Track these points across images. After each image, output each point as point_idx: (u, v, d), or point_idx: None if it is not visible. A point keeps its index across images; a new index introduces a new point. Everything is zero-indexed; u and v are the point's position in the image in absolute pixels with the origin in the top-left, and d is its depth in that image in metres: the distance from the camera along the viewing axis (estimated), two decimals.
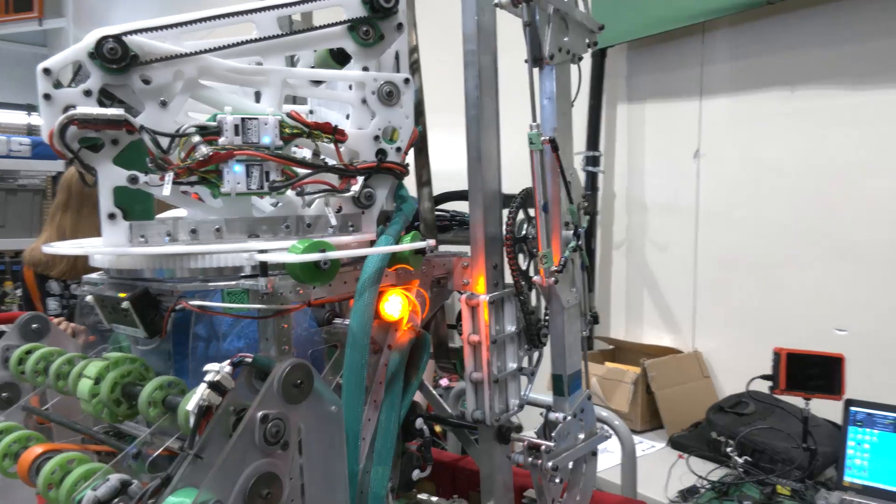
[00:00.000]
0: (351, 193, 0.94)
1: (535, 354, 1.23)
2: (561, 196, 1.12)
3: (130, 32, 0.81)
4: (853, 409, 2.01)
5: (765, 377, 2.05)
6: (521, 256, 1.20)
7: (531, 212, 1.19)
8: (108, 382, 0.84)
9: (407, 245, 0.95)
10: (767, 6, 2.35)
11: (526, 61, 1.13)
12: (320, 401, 0.77)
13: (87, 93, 0.81)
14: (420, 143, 1.23)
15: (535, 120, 1.09)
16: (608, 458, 2.08)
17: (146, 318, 0.87)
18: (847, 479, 1.98)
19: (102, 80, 0.81)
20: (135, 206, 0.89)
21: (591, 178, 3.01)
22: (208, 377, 0.73)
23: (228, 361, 0.75)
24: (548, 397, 1.38)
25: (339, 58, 1.06)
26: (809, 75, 2.41)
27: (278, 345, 0.89)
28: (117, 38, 0.79)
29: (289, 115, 0.89)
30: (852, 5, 2.25)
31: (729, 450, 2.22)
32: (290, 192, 0.91)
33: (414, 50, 1.20)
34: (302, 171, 0.91)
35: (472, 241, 1.14)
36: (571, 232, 1.14)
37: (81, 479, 0.76)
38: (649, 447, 2.49)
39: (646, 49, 2.88)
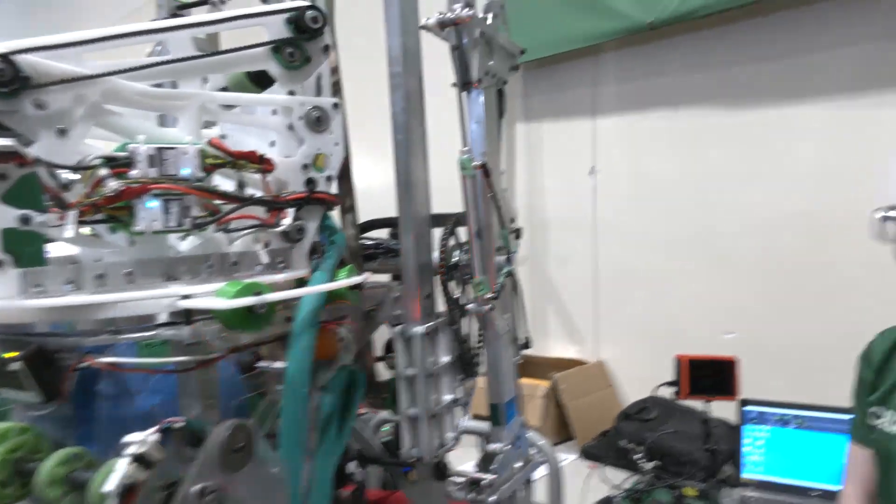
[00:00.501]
0: (282, 228, 0.86)
1: (469, 384, 1.20)
2: (493, 221, 1.10)
3: (21, 51, 0.70)
4: (747, 408, 2.15)
5: (669, 384, 2.15)
6: (452, 284, 1.17)
7: (461, 236, 1.16)
8: None
9: (345, 282, 0.89)
10: (651, 31, 2.49)
11: (454, 85, 1.10)
12: (263, 464, 0.69)
13: None
14: (343, 170, 1.16)
15: (465, 144, 1.06)
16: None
17: (42, 380, 0.75)
18: (745, 475, 2.11)
19: None
20: (24, 249, 0.76)
21: None
22: (132, 449, 0.62)
23: (155, 428, 0.65)
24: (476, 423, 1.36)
25: (257, 79, 0.98)
26: (690, 97, 2.59)
27: (204, 400, 0.79)
28: (5, 57, 0.68)
29: (209, 143, 0.81)
30: (725, 32, 2.43)
31: (637, 457, 2.30)
32: (211, 228, 0.82)
33: (335, 70, 1.14)
34: (226, 205, 0.82)
35: (403, 270, 1.09)
36: (504, 257, 1.13)
37: None
38: (563, 460, 2.52)
39: (541, 70, 2.96)
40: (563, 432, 2.70)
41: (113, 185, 0.73)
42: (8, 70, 0.68)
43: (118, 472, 0.61)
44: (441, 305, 1.14)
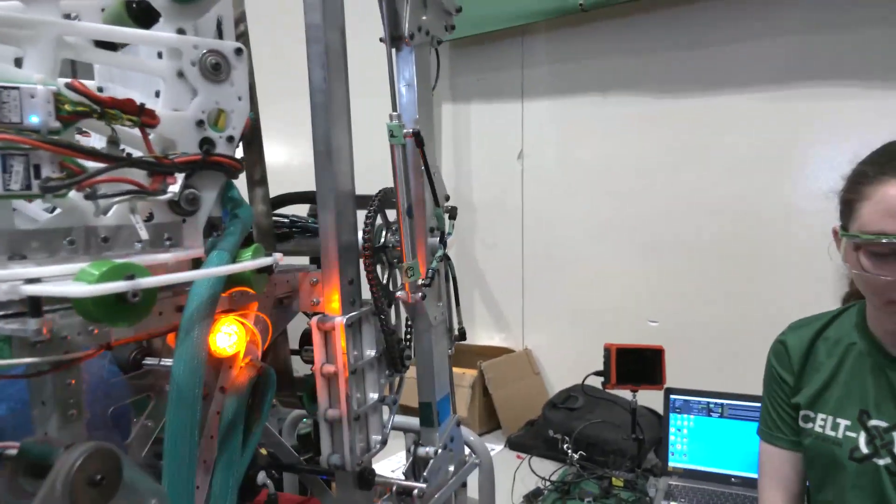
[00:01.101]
0: (168, 196, 0.70)
1: (397, 380, 1.07)
2: (426, 198, 0.97)
3: None
4: (672, 396, 2.13)
5: (597, 373, 2.10)
6: (378, 268, 1.03)
7: (390, 216, 1.03)
8: None
9: (249, 263, 0.73)
10: (581, 13, 2.43)
11: (381, 40, 0.96)
12: (134, 496, 0.53)
13: None
14: (251, 135, 1.00)
15: (395, 109, 0.93)
16: None
17: None
18: (671, 464, 2.09)
19: None
20: None
21: None
22: None
23: None
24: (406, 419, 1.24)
25: (139, 16, 0.80)
26: (620, 82, 2.54)
27: (62, 410, 0.62)
28: None
29: (68, 85, 0.63)
30: (658, 17, 2.40)
31: (566, 447, 2.25)
32: (74, 195, 0.64)
33: (241, 19, 0.98)
34: (93, 165, 0.65)
35: (322, 252, 0.95)
36: (438, 239, 1.00)
37: None
38: (490, 450, 2.45)
39: (468, 49, 2.85)
40: (490, 421, 2.63)
41: None
42: None
43: None
44: (367, 293, 1.00)
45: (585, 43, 2.60)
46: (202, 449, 0.84)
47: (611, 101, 2.58)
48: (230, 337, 0.85)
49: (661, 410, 2.15)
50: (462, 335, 1.11)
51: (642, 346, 2.11)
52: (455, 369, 2.68)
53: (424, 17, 0.99)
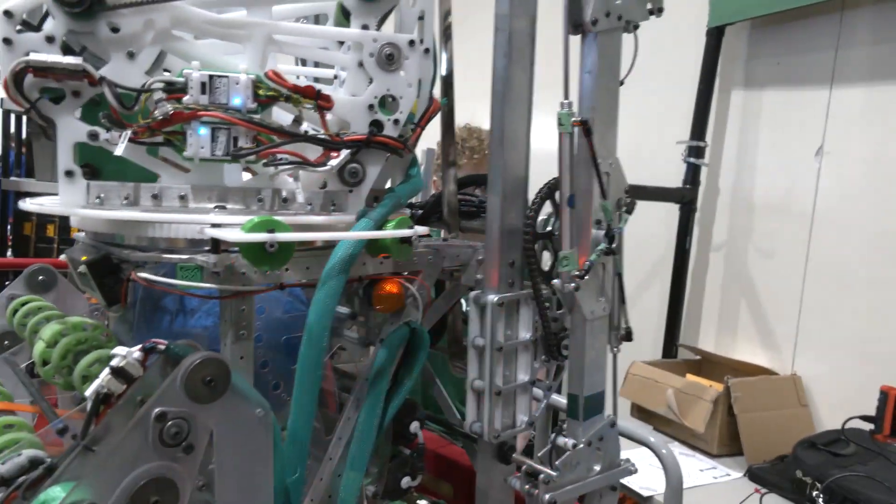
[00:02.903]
0: (326, 168, 0.83)
1: (555, 367, 1.08)
2: (593, 189, 0.95)
3: None
4: None
5: (866, 418, 1.76)
6: (546, 255, 1.05)
7: None
8: (59, 348, 0.80)
9: (383, 233, 0.83)
10: None
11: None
12: (241, 402, 0.68)
13: (50, 39, 0.76)
14: (447, 120, 1.09)
15: (566, 97, 0.92)
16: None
17: (105, 286, 0.82)
18: None
19: (66, 26, 0.76)
20: (107, 164, 0.83)
21: (693, 171, 2.72)
22: (114, 361, 0.65)
23: (139, 346, 0.67)
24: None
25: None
26: None
27: (235, 329, 0.80)
28: None
29: (266, 74, 0.80)
30: None
31: (815, 493, 1.94)
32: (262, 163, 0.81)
33: (447, 14, 1.07)
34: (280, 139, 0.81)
35: (487, 232, 1.00)
36: (603, 232, 0.97)
37: (3, 447, 0.73)
38: (723, 475, 2.24)
39: (771, 28, 2.53)
40: (733, 445, 2.38)
41: (167, 108, 0.76)
42: None
43: (98, 379, 0.64)
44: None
45: None
46: (357, 388, 0.98)
47: None
48: (392, 296, 0.96)
49: None
50: (629, 335, 1.06)
51: None
52: (697, 379, 2.49)
53: (618, 2, 0.95)
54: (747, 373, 2.46)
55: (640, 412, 2.62)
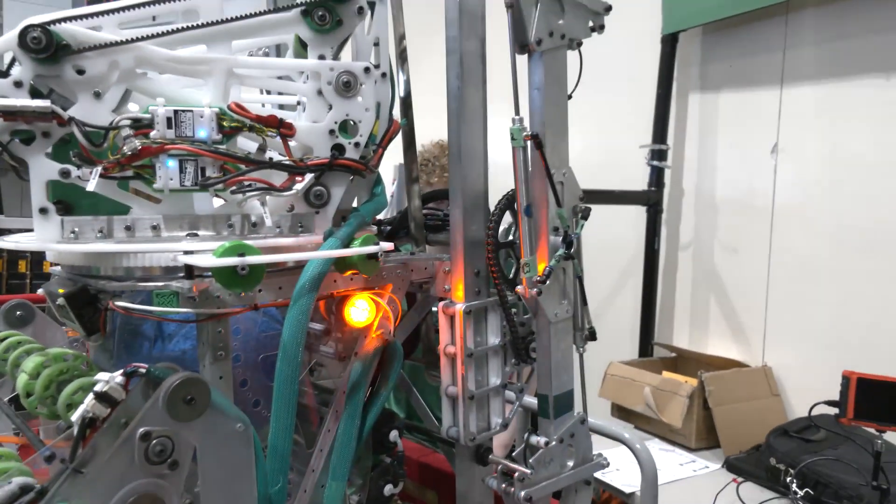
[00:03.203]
0: (292, 193, 0.87)
1: (526, 370, 1.12)
2: (548, 198, 1.01)
3: (62, 20, 0.78)
4: None
5: (830, 403, 1.82)
6: (513, 263, 1.10)
7: None
8: (42, 379, 0.83)
9: (346, 251, 0.87)
10: None
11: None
12: (221, 418, 0.71)
13: (18, 84, 0.79)
14: (408, 139, 1.14)
15: (517, 113, 0.98)
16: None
17: (83, 317, 0.85)
18: None
19: (34, 71, 0.79)
20: (80, 200, 0.87)
21: (657, 174, 2.80)
22: (98, 387, 0.69)
23: (121, 371, 0.70)
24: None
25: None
26: None
27: (213, 351, 0.84)
28: (42, 26, 0.77)
29: (229, 106, 0.84)
30: None
31: (789, 479, 2.00)
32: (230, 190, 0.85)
33: (402, 38, 1.12)
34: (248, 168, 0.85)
35: (451, 244, 1.05)
36: (560, 238, 1.03)
37: None
38: (702, 467, 2.30)
39: (721, 32, 2.63)
40: (710, 437, 2.44)
41: (135, 143, 0.80)
42: (44, 38, 0.76)
43: (84, 404, 0.67)
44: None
45: (865, 17, 2.21)
46: (335, 400, 1.02)
47: (895, 85, 2.16)
48: (362, 311, 1.01)
49: None
50: (592, 335, 1.11)
51: (893, 380, 1.76)
52: (673, 376, 2.55)
53: (560, 22, 1.01)
54: (721, 367, 2.53)
55: (620, 411, 2.68)
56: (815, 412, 1.94)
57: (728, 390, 2.41)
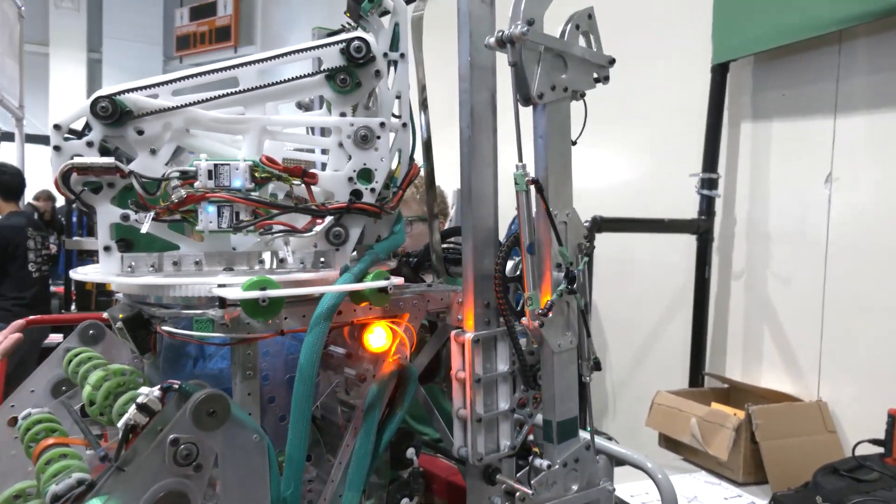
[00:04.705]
0: (312, 234, 1.00)
1: (536, 395, 1.19)
2: (551, 238, 1.09)
3: (125, 91, 0.94)
4: None
5: (875, 441, 1.78)
6: (522, 296, 1.18)
7: None
8: (102, 391, 0.98)
9: (357, 285, 0.98)
10: None
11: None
12: (240, 429, 0.83)
13: (90, 144, 0.96)
14: (429, 180, 1.25)
15: (520, 160, 1.07)
16: None
17: (137, 338, 1.00)
18: None
19: (102, 133, 0.95)
20: (137, 238, 1.02)
21: (708, 203, 2.79)
22: (139, 399, 0.82)
23: (159, 387, 0.84)
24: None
25: None
26: None
27: (242, 370, 0.97)
28: (110, 97, 0.93)
29: (261, 159, 0.97)
30: None
31: None
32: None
33: (423, 88, 1.24)
34: (276, 212, 0.98)
35: (463, 277, 1.15)
36: (563, 274, 1.10)
37: (59, 471, 0.90)
38: (748, 503, 2.26)
39: (774, 62, 2.62)
40: (759, 472, 2.39)
41: (181, 192, 0.94)
42: (111, 107, 0.92)
43: (127, 413, 0.81)
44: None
45: None
46: (355, 418, 1.13)
47: None
48: (379, 338, 1.11)
49: None
50: (597, 366, 1.17)
51: None
52: (720, 407, 2.52)
53: (563, 76, 1.10)
54: (774, 400, 2.49)
55: (667, 441, 2.66)
56: (858, 452, 1.90)
57: (777, 424, 2.36)
